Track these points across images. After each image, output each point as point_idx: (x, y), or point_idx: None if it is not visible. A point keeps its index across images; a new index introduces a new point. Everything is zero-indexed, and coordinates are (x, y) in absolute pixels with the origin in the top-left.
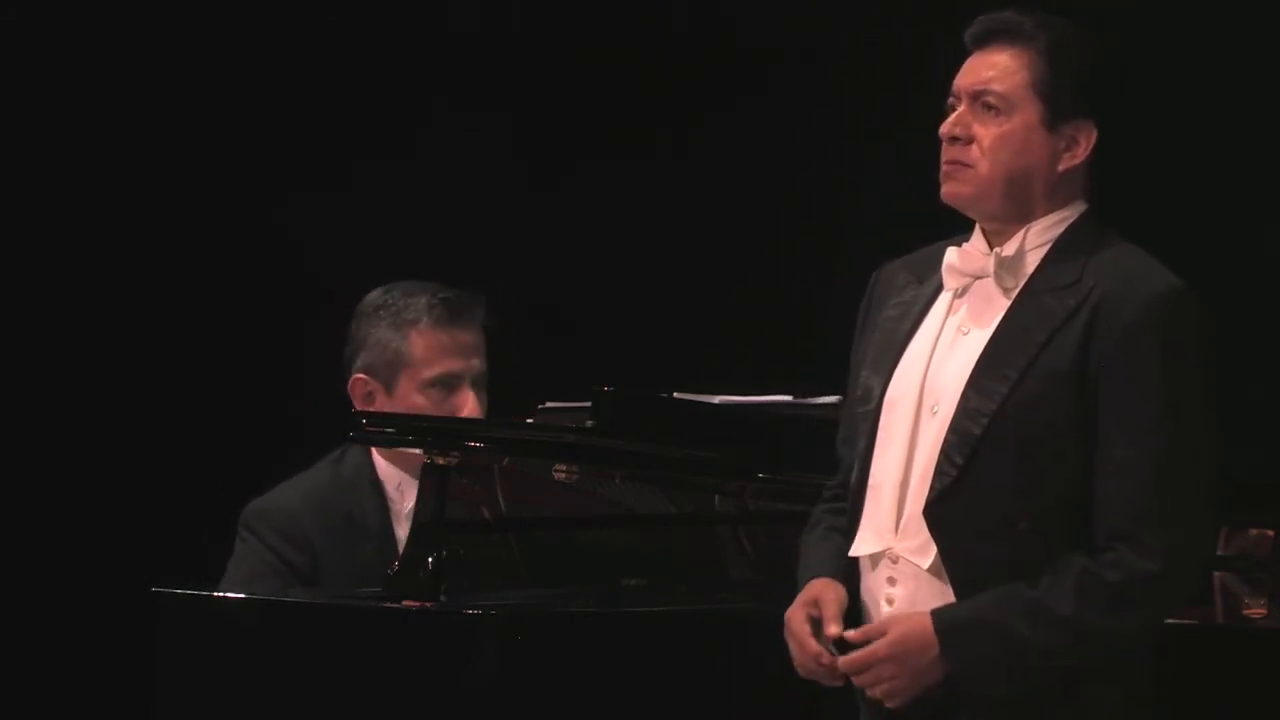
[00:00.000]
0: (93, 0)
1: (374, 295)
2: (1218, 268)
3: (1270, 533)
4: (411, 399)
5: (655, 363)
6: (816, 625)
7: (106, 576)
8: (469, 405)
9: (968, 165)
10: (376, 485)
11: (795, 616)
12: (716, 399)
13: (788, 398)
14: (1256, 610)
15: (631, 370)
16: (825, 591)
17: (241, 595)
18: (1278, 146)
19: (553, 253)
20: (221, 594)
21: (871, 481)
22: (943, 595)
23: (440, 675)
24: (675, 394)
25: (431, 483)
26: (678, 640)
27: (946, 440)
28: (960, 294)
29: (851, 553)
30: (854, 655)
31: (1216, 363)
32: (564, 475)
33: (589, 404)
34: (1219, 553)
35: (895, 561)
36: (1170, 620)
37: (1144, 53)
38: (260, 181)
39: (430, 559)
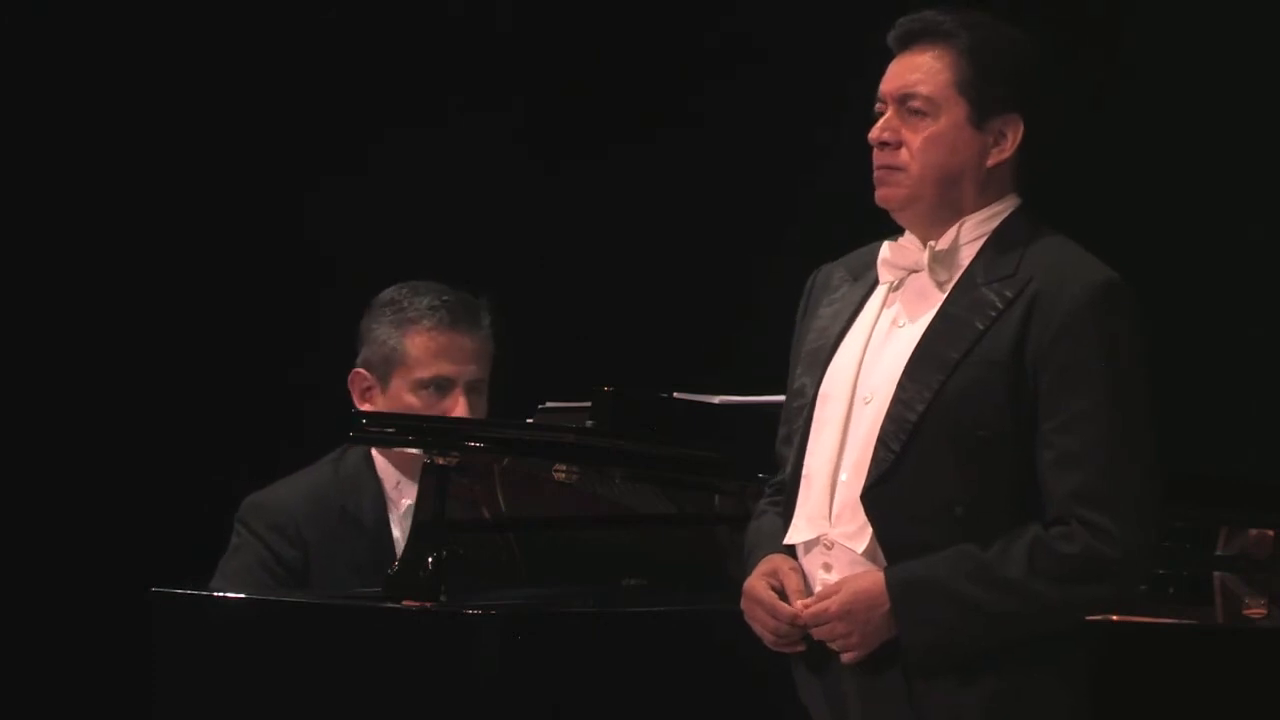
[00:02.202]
0: None
1: (387, 291)
2: (1219, 270)
3: (1270, 533)
4: (403, 398)
5: (655, 363)
6: (779, 595)
7: (104, 576)
8: (459, 410)
9: (898, 169)
10: (375, 482)
11: (757, 585)
12: (716, 399)
13: None
14: (1256, 610)
15: (631, 370)
16: (783, 564)
17: (240, 595)
18: (1266, 147)
19: (553, 252)
20: (221, 594)
21: (805, 472)
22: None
23: (440, 675)
24: (675, 394)
25: (431, 483)
26: (678, 640)
27: (883, 428)
28: (895, 288)
29: (786, 540)
30: (810, 610)
31: (1152, 351)
32: (564, 475)
33: (589, 404)
34: (1219, 553)
35: (830, 548)
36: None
37: (1142, 52)
38: (263, 185)
39: (430, 559)
